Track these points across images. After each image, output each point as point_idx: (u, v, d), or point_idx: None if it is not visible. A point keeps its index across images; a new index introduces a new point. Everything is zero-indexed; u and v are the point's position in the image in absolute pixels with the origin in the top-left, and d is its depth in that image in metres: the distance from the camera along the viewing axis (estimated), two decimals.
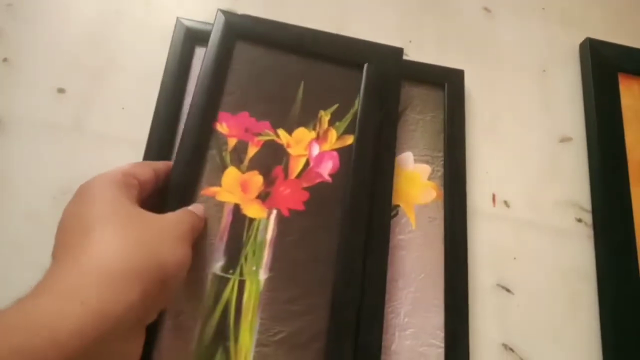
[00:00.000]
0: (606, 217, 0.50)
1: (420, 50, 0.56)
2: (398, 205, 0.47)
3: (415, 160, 0.49)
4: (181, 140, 0.41)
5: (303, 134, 0.44)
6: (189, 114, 0.42)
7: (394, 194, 0.47)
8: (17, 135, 0.47)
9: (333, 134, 0.45)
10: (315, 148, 0.44)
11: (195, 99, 0.42)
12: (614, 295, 0.47)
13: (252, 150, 0.43)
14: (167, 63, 0.49)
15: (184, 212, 0.36)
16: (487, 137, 0.53)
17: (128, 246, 0.28)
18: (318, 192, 0.42)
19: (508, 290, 0.47)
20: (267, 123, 0.44)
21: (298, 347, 0.38)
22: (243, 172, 0.42)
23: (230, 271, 0.39)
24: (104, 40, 0.52)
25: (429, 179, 0.49)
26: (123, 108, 0.49)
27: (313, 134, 0.44)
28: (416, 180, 0.48)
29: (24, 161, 0.46)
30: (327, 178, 0.43)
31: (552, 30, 0.61)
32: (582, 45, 0.59)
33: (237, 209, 0.41)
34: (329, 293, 0.39)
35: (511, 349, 0.45)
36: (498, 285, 0.47)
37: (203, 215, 0.38)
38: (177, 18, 0.51)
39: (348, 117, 0.45)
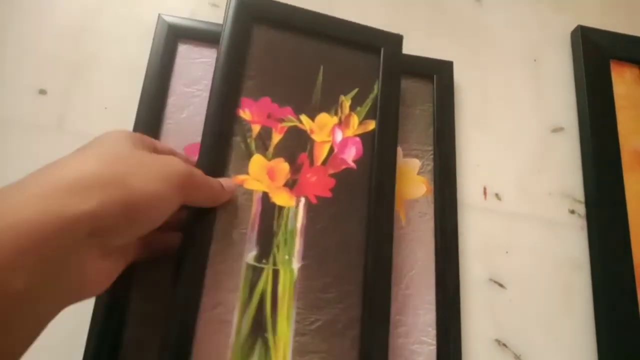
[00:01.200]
0: (599, 208, 0.50)
1: (408, 42, 0.55)
2: None
3: (405, 155, 0.48)
4: (205, 127, 0.39)
5: (326, 119, 0.43)
6: (210, 100, 0.40)
7: None
8: (0, 135, 0.46)
9: (355, 120, 0.44)
10: (339, 134, 0.43)
11: (216, 84, 0.41)
12: (608, 287, 0.47)
13: (276, 137, 0.42)
14: (149, 60, 0.47)
15: (181, 162, 0.34)
16: (478, 129, 0.52)
17: (98, 163, 0.29)
18: (344, 179, 0.42)
19: (500, 285, 0.47)
20: (289, 109, 0.43)
21: (335, 335, 0.37)
22: (269, 160, 0.41)
23: (264, 261, 0.38)
24: (85, 37, 0.51)
25: (419, 173, 0.48)
26: (105, 108, 0.48)
27: (335, 120, 0.44)
28: (406, 175, 0.48)
29: (6, 161, 0.45)
30: (352, 164, 0.42)
31: (543, 17, 0.60)
32: (574, 33, 0.58)
33: (265, 197, 0.40)
34: (360, 279, 0.39)
35: (504, 345, 0.45)
36: (490, 280, 0.47)
37: (229, 187, 0.37)
38: (159, 14, 0.50)
39: (368, 102, 0.45)
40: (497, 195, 0.50)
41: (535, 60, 0.57)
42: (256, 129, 0.41)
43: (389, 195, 0.42)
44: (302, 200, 0.41)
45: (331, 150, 0.43)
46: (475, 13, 0.58)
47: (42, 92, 0.48)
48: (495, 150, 0.52)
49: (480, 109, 0.53)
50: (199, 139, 0.45)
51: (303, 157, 0.42)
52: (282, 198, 0.40)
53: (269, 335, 0.36)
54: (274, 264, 0.38)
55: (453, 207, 0.47)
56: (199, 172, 0.34)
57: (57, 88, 0.48)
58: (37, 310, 0.26)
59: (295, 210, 0.40)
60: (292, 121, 0.43)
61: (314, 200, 0.41)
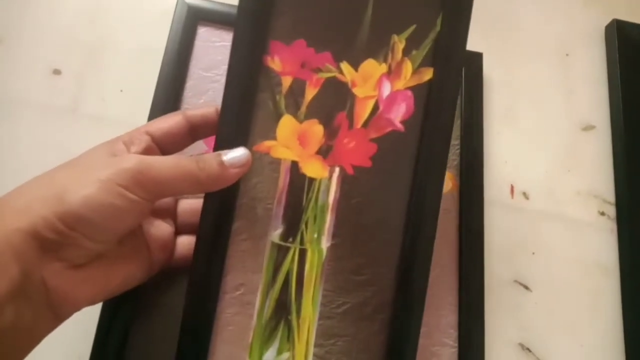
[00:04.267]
0: (630, 210, 0.48)
1: None
2: None
3: None
4: (227, 82, 0.33)
5: (372, 67, 0.35)
6: (233, 46, 0.33)
7: None
8: (13, 117, 0.44)
9: (408, 67, 0.35)
10: (387, 86, 0.35)
11: (239, 25, 0.33)
12: (638, 292, 0.45)
13: (310, 92, 0.34)
14: (167, 43, 0.46)
15: (134, 158, 0.30)
16: (506, 124, 0.50)
17: (38, 183, 0.29)
18: (388, 144, 0.35)
19: (526, 287, 0.45)
20: (327, 54, 0.34)
21: (363, 319, 0.35)
22: (300, 121, 0.34)
23: (290, 239, 0.35)
24: (101, 18, 0.49)
25: None
26: (121, 90, 0.47)
27: (384, 67, 0.35)
28: None
29: (20, 143, 0.44)
30: (399, 126, 0.35)
31: (575, 11, 0.57)
32: (609, 27, 0.56)
33: (295, 167, 0.34)
34: (396, 260, 0.35)
35: (528, 349, 0.43)
36: (515, 281, 0.45)
37: (235, 163, 0.32)
38: None
39: (427, 44, 0.35)
40: (524, 193, 0.48)
41: (567, 55, 0.55)
42: (287, 82, 0.34)
43: (439, 165, 0.35)
44: (337, 170, 0.35)
45: (375, 107, 0.35)
46: (506, 5, 0.56)
47: (57, 72, 0.46)
48: (523, 147, 0.50)
49: (509, 103, 0.51)
50: None
51: (341, 117, 0.35)
52: (313, 168, 0.34)
53: (293, 317, 0.34)
54: (302, 243, 0.35)
55: (479, 205, 0.45)
56: (159, 164, 0.30)
57: (73, 69, 0.47)
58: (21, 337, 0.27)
59: (327, 182, 0.35)
60: (330, 71, 0.35)
61: (350, 171, 0.35)
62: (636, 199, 0.48)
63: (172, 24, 0.46)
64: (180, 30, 0.46)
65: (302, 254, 0.35)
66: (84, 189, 0.28)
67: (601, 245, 0.47)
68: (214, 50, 0.47)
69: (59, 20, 0.48)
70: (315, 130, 0.35)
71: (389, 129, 0.35)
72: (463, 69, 0.49)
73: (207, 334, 0.33)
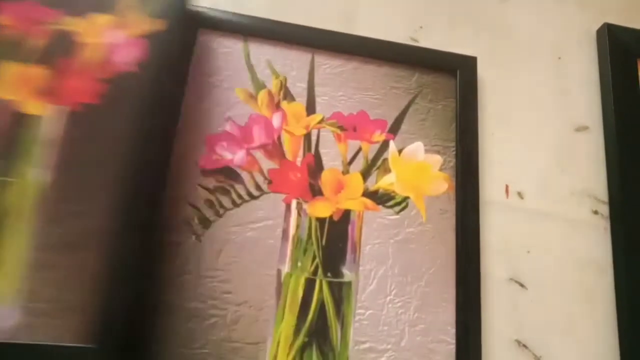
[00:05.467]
0: (623, 209, 0.49)
1: (431, 36, 0.54)
2: (408, 197, 0.46)
3: (426, 151, 0.47)
4: None
5: (102, 19, 0.39)
6: None
7: (403, 185, 0.45)
8: None
9: (139, 19, 0.40)
10: (117, 34, 0.39)
11: None
12: (631, 289, 0.46)
13: (37, 42, 0.37)
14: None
15: None
16: (500, 126, 0.51)
17: None
18: (119, 84, 0.38)
19: (521, 285, 0.46)
20: (58, 11, 0.38)
21: (77, 248, 0.35)
22: (26, 66, 0.37)
23: (4, 174, 0.35)
24: None
25: (440, 169, 0.47)
26: None
27: (114, 19, 0.39)
28: (427, 171, 0.47)
29: None
30: (130, 68, 0.38)
31: (567, 15, 0.59)
32: (600, 31, 0.57)
33: (15, 105, 0.36)
34: (119, 191, 0.36)
35: (524, 346, 0.44)
36: (511, 279, 0.46)
37: None
38: None
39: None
40: (519, 193, 0.49)
41: (559, 58, 0.56)
42: (14, 34, 0.37)
43: (169, 97, 0.39)
44: (61, 108, 0.37)
45: (106, 52, 0.38)
46: (499, 10, 0.57)
47: None
48: (517, 148, 0.51)
49: (503, 106, 0.52)
50: (219, 128, 0.45)
51: (68, 61, 0.38)
52: (34, 106, 0.36)
53: None
54: (15, 176, 0.35)
55: (475, 205, 0.46)
56: None
57: None
58: None
59: (49, 118, 0.36)
60: (59, 24, 0.38)
61: (76, 108, 0.37)
62: (629, 197, 0.49)
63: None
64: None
65: (14, 186, 0.35)
66: None
67: (595, 243, 0.48)
68: (214, 56, 0.48)
69: None
70: (38, 73, 0.37)
71: (119, 70, 0.38)
72: (458, 72, 0.50)
73: None
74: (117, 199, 0.36)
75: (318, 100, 0.48)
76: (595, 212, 0.50)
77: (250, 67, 0.48)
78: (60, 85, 0.37)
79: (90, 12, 0.39)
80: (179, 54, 0.39)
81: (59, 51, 0.37)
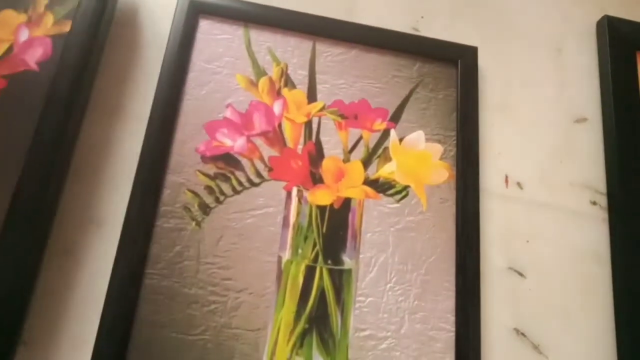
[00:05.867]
0: (622, 199, 0.49)
1: (432, 26, 0.54)
2: (408, 186, 0.46)
3: (427, 140, 0.47)
4: None
5: (10, 16, 0.40)
6: None
7: (404, 174, 0.45)
8: None
9: (49, 19, 0.40)
10: (24, 32, 0.40)
11: None
12: (629, 279, 0.46)
13: None
14: (170, 35, 0.46)
15: None
16: (501, 116, 0.52)
17: None
18: (19, 82, 0.39)
19: (520, 274, 0.46)
20: None
21: None
22: None
23: None
24: None
25: (441, 158, 0.47)
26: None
27: (24, 17, 0.40)
28: (427, 160, 0.47)
29: None
30: (33, 66, 0.39)
31: (568, 6, 0.59)
32: (600, 23, 0.57)
33: None
34: (12, 187, 0.37)
35: (523, 334, 0.44)
36: (510, 268, 0.46)
37: None
38: None
39: (70, 2, 0.41)
40: (518, 183, 0.49)
41: (559, 50, 0.56)
42: None
43: (65, 98, 0.39)
44: None
45: (10, 49, 0.39)
46: (500, 1, 0.57)
47: None
48: (517, 138, 0.51)
49: (503, 96, 0.52)
50: (219, 115, 0.45)
51: None
52: None
53: None
54: None
55: (475, 194, 0.46)
56: None
57: None
58: None
59: None
60: None
61: None
62: (627, 188, 0.49)
63: (174, 17, 0.47)
64: (182, 23, 0.47)
65: None
66: None
67: (593, 234, 0.49)
68: (215, 42, 0.48)
69: None
70: None
71: (22, 68, 0.39)
72: (459, 62, 0.50)
73: None
74: (5, 198, 0.37)
75: (319, 87, 0.48)
76: (594, 203, 0.50)
77: (251, 54, 0.48)
78: None
79: (3, 8, 0.40)
80: (84, 56, 0.40)
81: None
